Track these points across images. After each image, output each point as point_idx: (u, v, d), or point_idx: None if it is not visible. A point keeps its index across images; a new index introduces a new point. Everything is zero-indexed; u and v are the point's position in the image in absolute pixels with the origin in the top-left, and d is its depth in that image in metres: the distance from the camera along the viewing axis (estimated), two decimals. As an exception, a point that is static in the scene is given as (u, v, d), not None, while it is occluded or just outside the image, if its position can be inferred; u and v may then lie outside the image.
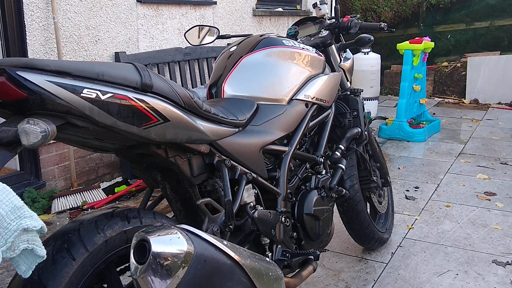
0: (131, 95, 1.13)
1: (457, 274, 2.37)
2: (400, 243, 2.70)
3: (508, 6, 7.16)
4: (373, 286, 2.28)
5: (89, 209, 3.22)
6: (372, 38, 2.17)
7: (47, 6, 3.22)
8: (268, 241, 1.61)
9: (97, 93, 1.07)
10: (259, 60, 1.82)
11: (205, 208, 1.35)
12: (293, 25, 2.33)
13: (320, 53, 2.06)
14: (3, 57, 3.15)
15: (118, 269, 1.27)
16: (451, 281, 2.31)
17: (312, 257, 1.78)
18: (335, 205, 2.19)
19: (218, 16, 4.83)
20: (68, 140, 1.20)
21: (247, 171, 1.54)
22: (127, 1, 3.81)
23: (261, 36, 1.92)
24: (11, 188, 0.95)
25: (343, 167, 2.07)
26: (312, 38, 2.23)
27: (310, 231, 1.80)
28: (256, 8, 5.40)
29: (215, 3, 4.75)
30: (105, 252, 1.16)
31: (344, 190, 2.07)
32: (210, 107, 1.43)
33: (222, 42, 4.56)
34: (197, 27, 2.29)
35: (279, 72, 1.82)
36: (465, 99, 6.81)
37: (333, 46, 2.26)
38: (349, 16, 2.26)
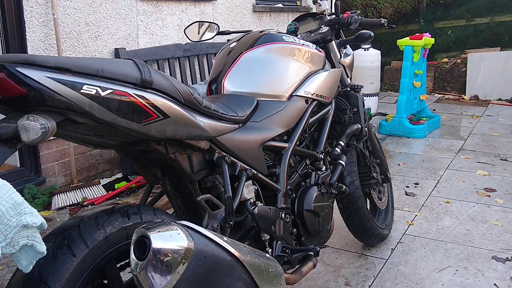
0: (131, 91, 1.13)
1: (457, 270, 2.37)
2: (400, 239, 2.70)
3: (508, 2, 7.14)
4: (372, 282, 2.29)
5: (89, 206, 3.22)
6: (372, 34, 2.16)
7: (46, 2, 3.22)
8: (268, 237, 1.61)
9: (97, 89, 1.07)
10: (259, 56, 1.82)
11: (205, 204, 1.35)
12: (293, 21, 2.33)
13: (320, 49, 2.05)
14: (2, 53, 3.14)
15: (118, 265, 1.27)
16: (450, 277, 2.31)
17: (312, 253, 1.78)
18: (335, 201, 2.19)
19: (218, 12, 4.82)
20: (68, 136, 1.20)
21: (247, 167, 1.54)
22: (127, -3, 3.80)
23: (261, 32, 1.91)
24: (11, 184, 0.95)
25: (343, 163, 2.07)
26: (312, 34, 2.23)
27: (310, 227, 1.80)
28: (256, 4, 5.39)
29: (215, -1, 4.74)
30: (105, 248, 1.16)
31: (344, 186, 2.07)
32: (210, 103, 1.43)
33: (222, 38, 4.54)
34: (197, 23, 2.28)
35: (279, 68, 1.82)
36: (465, 95, 6.80)
37: (333, 42, 2.25)
38: (349, 12, 2.25)
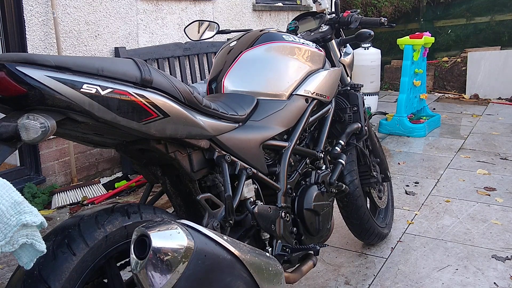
0: (131, 90, 1.13)
1: (457, 269, 2.37)
2: (400, 238, 2.70)
3: (508, 1, 7.14)
4: (372, 281, 2.29)
5: (89, 204, 3.22)
6: (372, 33, 2.16)
7: (46, 1, 3.21)
8: (268, 236, 1.61)
9: (97, 88, 1.07)
10: (259, 55, 1.82)
11: (205, 203, 1.35)
12: (293, 20, 2.33)
13: (320, 48, 2.05)
14: (2, 52, 3.14)
15: (118, 264, 1.27)
16: (450, 276, 2.31)
17: (312, 252, 1.78)
18: (335, 200, 2.19)
19: (218, 11, 4.82)
20: (68, 135, 1.20)
21: (247, 166, 1.54)
22: (127, -4, 3.80)
23: (261, 31, 1.91)
24: (11, 183, 0.95)
25: (343, 162, 2.07)
26: (312, 33, 2.23)
27: (310, 226, 1.80)
28: (256, 3, 5.39)
29: (215, -2, 4.73)
30: (105, 247, 1.16)
31: (344, 185, 2.07)
32: (210, 102, 1.43)
33: (222, 37, 4.55)
34: (197, 22, 2.28)
35: (279, 67, 1.82)
36: (465, 94, 6.80)
37: (333, 41, 2.25)
38: (349, 11, 2.25)
